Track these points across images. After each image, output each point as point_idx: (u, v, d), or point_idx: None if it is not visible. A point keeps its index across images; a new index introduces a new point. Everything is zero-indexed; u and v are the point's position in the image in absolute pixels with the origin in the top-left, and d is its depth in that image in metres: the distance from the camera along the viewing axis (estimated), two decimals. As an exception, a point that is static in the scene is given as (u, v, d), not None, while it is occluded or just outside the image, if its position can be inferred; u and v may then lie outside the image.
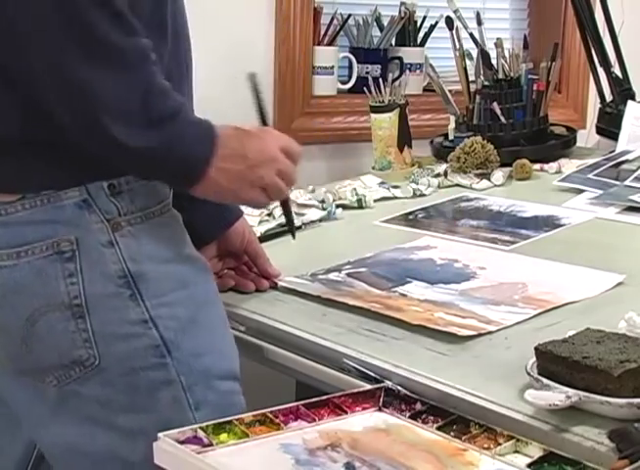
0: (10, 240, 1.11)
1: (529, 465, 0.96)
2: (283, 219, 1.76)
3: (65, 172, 1.12)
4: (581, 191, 1.94)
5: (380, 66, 2.43)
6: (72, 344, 1.12)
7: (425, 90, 2.52)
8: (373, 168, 2.18)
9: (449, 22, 2.28)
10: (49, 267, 1.11)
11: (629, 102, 2.26)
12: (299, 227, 1.75)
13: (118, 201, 1.14)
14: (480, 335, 1.24)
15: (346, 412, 1.07)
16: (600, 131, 2.39)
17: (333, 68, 2.35)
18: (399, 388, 1.11)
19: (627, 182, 1.92)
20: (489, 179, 2.06)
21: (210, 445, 0.98)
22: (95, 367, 1.12)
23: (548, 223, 1.76)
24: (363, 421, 1.06)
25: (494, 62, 2.26)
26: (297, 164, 1.23)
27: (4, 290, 1.12)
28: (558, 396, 1.01)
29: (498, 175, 2.06)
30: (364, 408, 1.09)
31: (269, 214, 1.82)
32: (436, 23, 2.51)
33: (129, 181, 1.15)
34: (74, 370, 1.13)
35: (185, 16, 1.26)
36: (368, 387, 1.13)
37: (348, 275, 1.48)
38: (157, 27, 1.15)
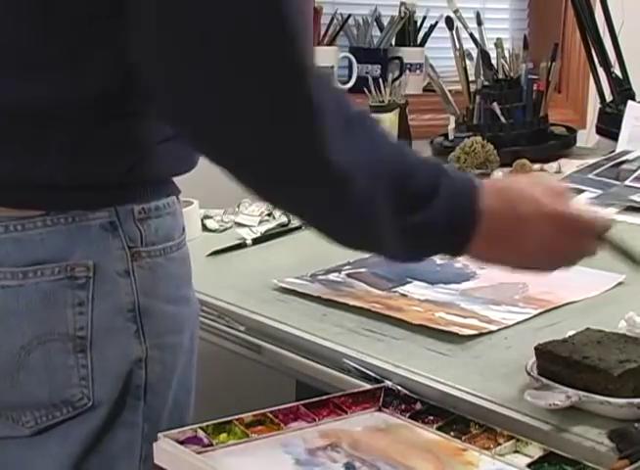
0: (19, 258, 0.99)
1: (529, 465, 0.96)
2: (284, 219, 1.76)
3: (96, 194, 1.01)
4: (581, 191, 1.94)
5: (380, 66, 2.44)
6: (67, 381, 1.02)
7: (425, 90, 2.52)
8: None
9: (449, 22, 2.28)
10: (58, 292, 1.00)
11: (629, 102, 2.26)
12: (299, 227, 1.75)
13: (144, 228, 1.05)
14: (481, 335, 1.24)
15: (346, 412, 1.07)
16: (600, 131, 2.39)
17: (333, 68, 2.35)
18: (399, 388, 1.11)
19: (627, 182, 1.92)
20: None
21: (210, 445, 0.98)
22: (85, 409, 1.03)
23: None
24: (363, 421, 1.06)
25: (494, 62, 2.27)
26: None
27: (3, 312, 1.00)
28: (558, 396, 1.01)
29: (498, 175, 2.06)
30: (364, 408, 1.09)
31: (269, 214, 1.82)
32: (436, 22, 2.51)
33: (158, 208, 1.06)
34: (61, 411, 1.02)
35: None
36: (368, 387, 1.13)
37: (348, 276, 1.48)
38: None
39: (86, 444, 1.04)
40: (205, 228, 1.76)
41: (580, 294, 1.37)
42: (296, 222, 1.76)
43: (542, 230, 1.00)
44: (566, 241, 1.02)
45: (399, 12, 2.48)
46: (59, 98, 0.96)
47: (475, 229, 0.98)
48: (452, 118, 2.29)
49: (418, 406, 1.08)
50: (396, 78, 2.31)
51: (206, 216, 1.79)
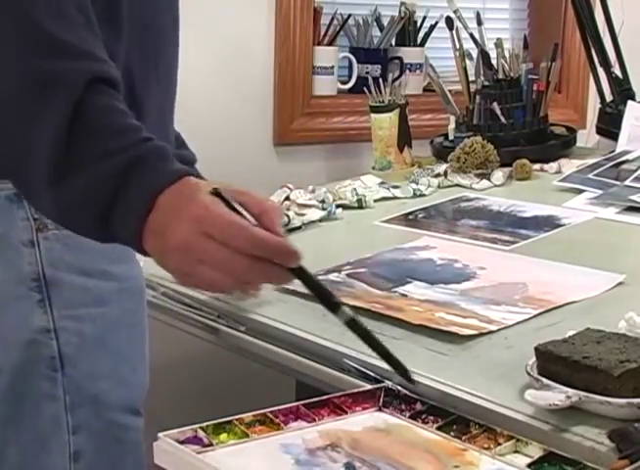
0: None
1: (529, 465, 0.96)
2: (284, 219, 1.76)
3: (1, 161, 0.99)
4: (581, 191, 1.94)
5: (380, 66, 2.44)
6: None
7: (425, 90, 2.52)
8: (373, 168, 2.18)
9: (449, 22, 2.28)
10: None
11: (629, 102, 2.26)
12: (299, 227, 1.75)
13: None
14: (481, 335, 1.24)
15: (346, 412, 1.07)
16: (600, 131, 2.39)
17: (333, 68, 2.35)
18: (399, 388, 1.11)
19: (627, 182, 1.92)
20: (489, 179, 2.06)
21: (210, 445, 0.98)
22: None
23: (548, 223, 1.76)
24: (363, 421, 1.06)
25: (494, 62, 2.26)
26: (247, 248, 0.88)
27: None
28: (558, 396, 1.01)
29: (498, 175, 2.06)
30: (364, 408, 1.09)
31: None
32: (436, 23, 2.51)
33: None
34: None
35: (163, 5, 1.12)
36: (368, 387, 1.13)
37: (348, 276, 1.48)
38: (106, 19, 1.00)
39: (5, 412, 1.06)
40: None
41: (580, 294, 1.37)
42: (296, 222, 1.76)
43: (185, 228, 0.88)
44: (210, 251, 0.88)
45: (399, 12, 2.48)
46: None
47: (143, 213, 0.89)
48: (452, 118, 2.29)
49: (418, 406, 1.08)
50: (396, 78, 2.31)
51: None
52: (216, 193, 0.89)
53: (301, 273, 0.90)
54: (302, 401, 1.07)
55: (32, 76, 0.90)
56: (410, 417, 1.07)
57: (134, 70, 1.06)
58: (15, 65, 0.90)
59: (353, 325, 0.93)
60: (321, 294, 0.92)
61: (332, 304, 0.92)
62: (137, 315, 1.16)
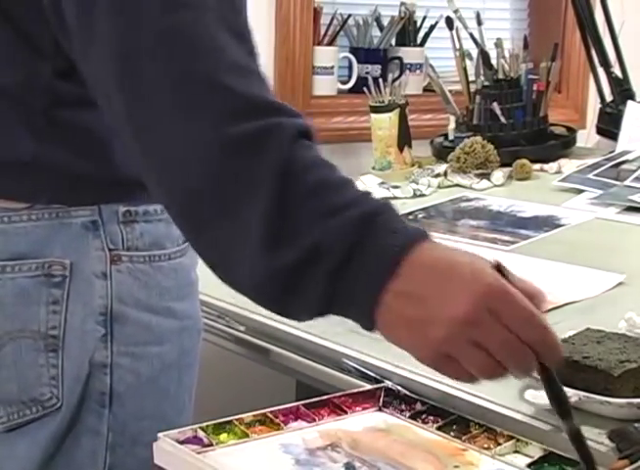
0: (2, 250, 0.99)
1: (529, 465, 0.96)
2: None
3: (80, 189, 1.00)
4: (581, 191, 1.94)
5: (380, 66, 2.44)
6: (37, 379, 1.01)
7: (425, 90, 2.52)
8: (373, 168, 2.18)
9: (449, 22, 2.28)
10: (34, 289, 0.99)
11: (629, 102, 2.26)
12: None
13: (128, 231, 1.02)
14: (480, 335, 1.23)
15: (346, 412, 1.07)
16: (600, 131, 2.39)
17: (333, 68, 2.35)
18: (399, 388, 1.11)
19: (627, 182, 1.92)
20: (489, 179, 2.06)
21: (210, 445, 0.98)
22: (55, 410, 1.02)
23: (548, 223, 1.76)
24: (363, 421, 1.06)
25: (494, 62, 2.26)
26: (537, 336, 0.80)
27: None
28: (558, 396, 1.00)
29: (498, 175, 2.06)
30: (364, 408, 1.09)
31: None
32: (436, 23, 2.51)
33: (148, 212, 1.03)
34: (30, 409, 1.01)
35: None
36: (368, 387, 1.13)
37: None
38: None
39: (52, 447, 1.03)
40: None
41: (580, 294, 1.37)
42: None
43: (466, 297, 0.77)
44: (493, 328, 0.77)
45: (399, 12, 2.48)
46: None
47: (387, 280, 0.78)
48: (452, 118, 2.29)
49: (418, 406, 1.08)
50: (396, 78, 2.31)
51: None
52: (498, 267, 0.80)
53: (550, 373, 0.82)
54: (302, 401, 1.07)
55: (234, 141, 0.80)
56: (410, 417, 1.07)
57: None
58: (212, 135, 0.81)
59: (576, 437, 0.83)
60: (559, 398, 0.83)
61: (564, 410, 0.83)
62: (192, 356, 1.12)
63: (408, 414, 1.07)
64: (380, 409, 1.09)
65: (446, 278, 0.78)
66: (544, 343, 0.79)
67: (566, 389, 1.01)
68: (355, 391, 1.11)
